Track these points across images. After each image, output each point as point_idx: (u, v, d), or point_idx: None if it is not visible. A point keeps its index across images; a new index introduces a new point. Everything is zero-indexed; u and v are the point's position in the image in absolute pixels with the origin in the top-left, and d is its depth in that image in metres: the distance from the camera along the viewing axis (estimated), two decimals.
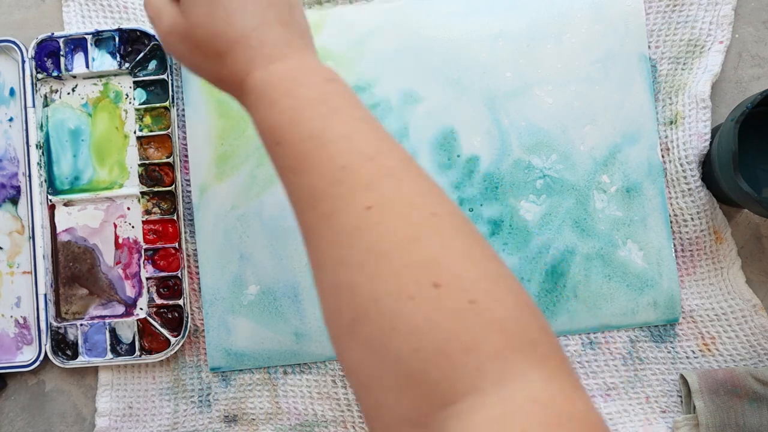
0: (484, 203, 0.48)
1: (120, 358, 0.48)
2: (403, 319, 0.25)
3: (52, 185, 0.50)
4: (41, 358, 0.49)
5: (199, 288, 0.49)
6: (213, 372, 0.49)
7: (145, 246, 0.49)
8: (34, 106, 0.49)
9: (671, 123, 0.48)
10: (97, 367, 0.49)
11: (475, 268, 0.26)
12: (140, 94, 0.50)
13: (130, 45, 0.50)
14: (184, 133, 0.50)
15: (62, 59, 0.50)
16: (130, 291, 0.50)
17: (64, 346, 0.49)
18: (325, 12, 0.49)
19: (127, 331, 0.49)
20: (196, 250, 0.49)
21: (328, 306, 0.29)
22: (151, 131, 0.49)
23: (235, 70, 0.34)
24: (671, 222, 0.48)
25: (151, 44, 0.49)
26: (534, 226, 0.48)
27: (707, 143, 0.47)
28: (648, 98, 0.48)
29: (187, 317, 0.48)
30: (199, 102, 0.49)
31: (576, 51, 0.48)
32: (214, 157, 0.49)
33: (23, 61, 0.50)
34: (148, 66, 0.50)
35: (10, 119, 0.50)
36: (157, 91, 0.50)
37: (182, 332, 0.48)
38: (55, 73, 0.50)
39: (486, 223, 0.48)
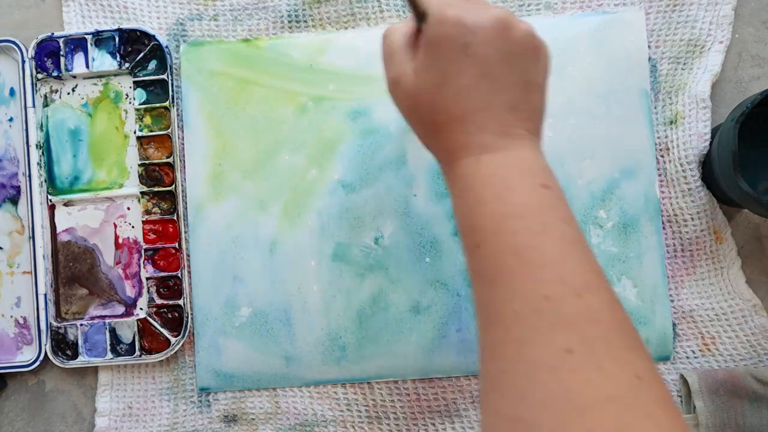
0: None
1: (120, 358, 0.48)
2: None
3: (52, 185, 0.50)
4: (41, 358, 0.49)
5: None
6: (202, 392, 0.49)
7: (145, 246, 0.49)
8: (34, 106, 0.49)
9: (671, 123, 0.48)
10: (97, 367, 0.49)
11: None
12: (140, 94, 0.50)
13: (130, 45, 0.50)
14: (184, 133, 0.50)
15: (62, 59, 0.50)
16: (130, 291, 0.50)
17: (64, 346, 0.49)
18: (327, 36, 0.50)
19: (127, 331, 0.49)
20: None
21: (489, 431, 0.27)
22: (151, 131, 0.49)
23: (447, 147, 0.33)
24: (671, 222, 0.48)
25: (150, 44, 0.49)
26: None
27: (707, 143, 0.47)
28: (648, 134, 0.48)
29: (187, 317, 0.48)
30: (198, 122, 0.49)
31: (578, 85, 0.48)
32: (210, 176, 0.49)
33: (23, 61, 0.50)
34: (148, 66, 0.50)
35: (10, 119, 0.50)
36: (157, 91, 0.50)
37: (182, 332, 0.48)
38: (55, 73, 0.50)
39: None
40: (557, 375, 0.25)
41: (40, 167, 0.49)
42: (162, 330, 0.48)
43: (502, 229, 0.29)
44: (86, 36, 0.50)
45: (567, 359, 0.26)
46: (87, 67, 0.50)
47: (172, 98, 0.49)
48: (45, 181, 0.50)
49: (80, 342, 0.49)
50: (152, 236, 0.49)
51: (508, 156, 0.31)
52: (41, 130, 0.50)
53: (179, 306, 0.48)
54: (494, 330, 0.28)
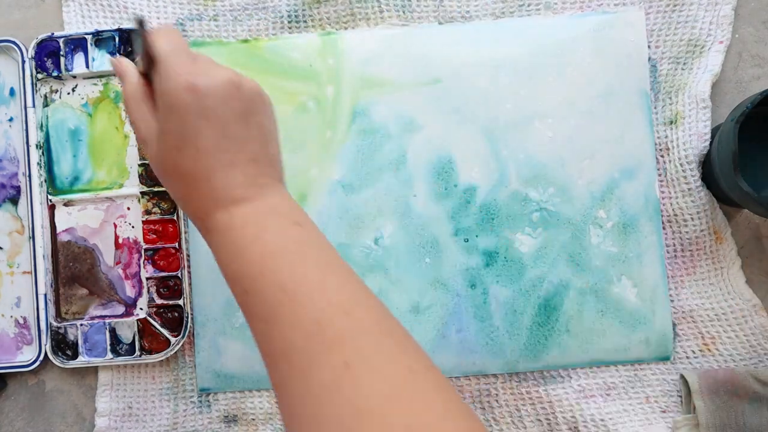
0: (480, 234, 0.48)
1: (120, 358, 0.48)
2: None
3: (52, 185, 0.50)
4: (41, 358, 0.49)
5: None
6: (202, 392, 0.49)
7: (145, 246, 0.49)
8: (34, 106, 0.49)
9: (671, 123, 0.48)
10: (97, 367, 0.49)
11: (452, 428, 0.27)
12: None
13: (130, 45, 0.50)
14: None
15: (62, 59, 0.50)
16: (130, 291, 0.50)
17: (64, 346, 0.49)
18: (327, 36, 0.50)
19: (127, 331, 0.49)
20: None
21: None
22: None
23: (198, 206, 0.34)
24: (671, 222, 0.48)
25: None
26: (529, 259, 0.48)
27: (707, 143, 0.47)
28: (648, 134, 0.48)
29: (187, 317, 0.48)
30: None
31: (577, 84, 0.48)
32: None
33: (23, 61, 0.50)
34: None
35: (10, 119, 0.50)
36: None
37: (182, 332, 0.48)
38: (55, 73, 0.50)
39: (481, 254, 0.48)
40: (341, 391, 0.27)
41: (40, 167, 0.49)
42: (162, 330, 0.48)
43: (264, 270, 0.30)
44: (86, 36, 0.50)
45: (346, 373, 0.27)
46: (87, 67, 0.50)
47: None
48: (45, 181, 0.50)
49: (80, 342, 0.49)
50: (152, 236, 0.49)
51: (257, 204, 0.33)
52: (41, 130, 0.50)
53: (179, 306, 0.48)
54: (280, 366, 0.29)
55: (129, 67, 0.37)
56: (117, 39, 0.50)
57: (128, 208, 0.50)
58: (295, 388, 0.28)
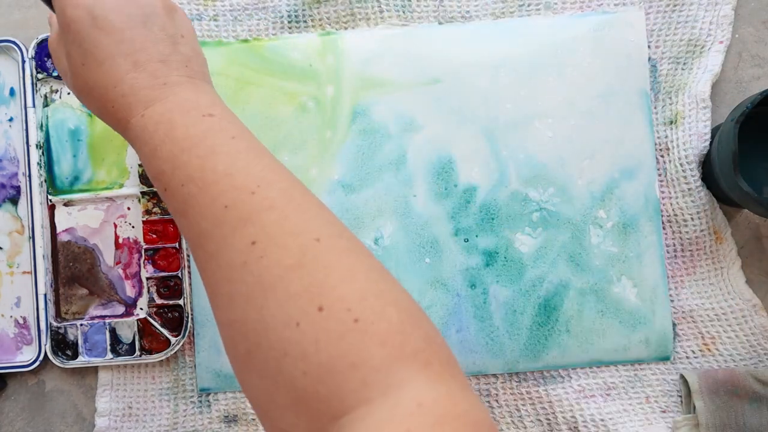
0: (480, 234, 0.48)
1: (120, 358, 0.48)
2: (292, 345, 0.26)
3: (52, 185, 0.50)
4: (41, 358, 0.49)
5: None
6: (202, 392, 0.49)
7: (145, 246, 0.49)
8: (34, 106, 0.49)
9: (671, 123, 0.48)
10: (97, 367, 0.49)
11: (358, 288, 0.27)
12: None
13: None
14: None
15: None
16: (130, 291, 0.50)
17: (64, 346, 0.49)
18: (327, 36, 0.50)
19: (127, 331, 0.49)
20: None
21: (225, 341, 0.29)
22: None
23: (116, 116, 0.34)
24: (671, 222, 0.48)
25: None
26: (529, 259, 0.48)
27: (707, 143, 0.47)
28: (648, 134, 0.48)
29: (187, 317, 0.48)
30: None
31: (577, 84, 0.48)
32: None
33: (23, 61, 0.50)
34: None
35: (10, 119, 0.50)
36: None
37: (182, 332, 0.48)
38: (55, 73, 0.50)
39: (481, 254, 0.48)
40: (248, 267, 0.28)
41: (40, 167, 0.49)
42: (162, 330, 0.48)
43: (176, 166, 0.31)
44: None
45: (253, 250, 0.28)
46: None
47: None
48: (45, 181, 0.50)
49: (80, 342, 0.49)
50: (152, 236, 0.49)
51: (168, 102, 0.33)
52: (41, 130, 0.50)
53: (179, 306, 0.48)
54: (198, 254, 0.31)
55: (52, 18, 0.39)
56: None
57: (128, 208, 0.50)
58: (210, 272, 0.30)
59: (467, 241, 0.48)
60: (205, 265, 0.30)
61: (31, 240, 0.49)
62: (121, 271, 0.50)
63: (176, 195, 0.31)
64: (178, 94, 0.33)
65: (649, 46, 0.49)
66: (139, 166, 0.49)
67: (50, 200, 0.50)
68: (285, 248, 0.28)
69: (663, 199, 0.48)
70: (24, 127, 0.49)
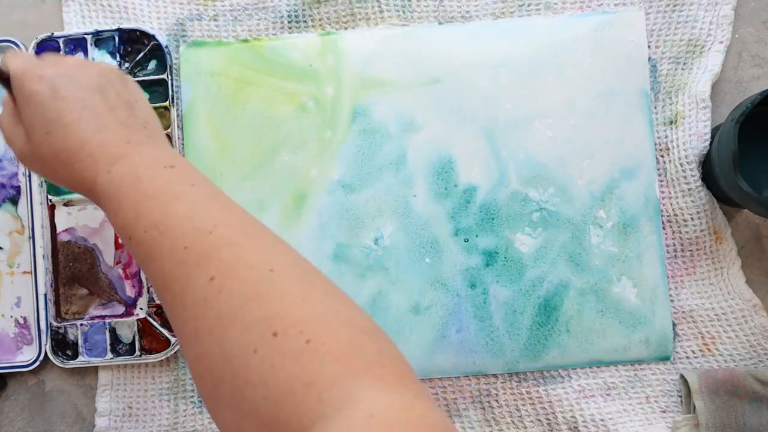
0: (480, 234, 0.48)
1: (120, 358, 0.48)
2: (252, 372, 0.27)
3: (52, 185, 0.50)
4: (41, 358, 0.49)
5: None
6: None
7: None
8: None
9: (671, 123, 0.48)
10: (97, 367, 0.49)
11: (311, 311, 0.29)
12: None
13: (130, 45, 0.50)
14: (184, 133, 0.50)
15: None
16: (130, 291, 0.50)
17: (64, 346, 0.49)
18: (327, 36, 0.50)
19: (127, 331, 0.49)
20: None
21: (195, 378, 0.31)
22: None
23: (83, 177, 0.36)
24: (671, 222, 0.48)
25: (150, 44, 0.49)
26: (529, 259, 0.48)
27: (707, 143, 0.47)
28: (648, 134, 0.48)
29: None
30: (197, 122, 0.49)
31: (577, 84, 0.48)
32: (210, 176, 0.48)
33: None
34: (148, 66, 0.50)
35: None
36: (157, 90, 0.50)
37: None
38: None
39: (481, 254, 0.48)
40: (209, 302, 0.29)
41: None
42: (162, 330, 0.48)
43: (140, 214, 0.33)
44: (86, 36, 0.50)
45: (212, 285, 0.30)
46: None
47: (172, 98, 0.49)
48: (45, 181, 0.50)
49: (80, 342, 0.49)
50: None
51: (133, 158, 0.35)
52: None
53: None
54: (163, 299, 0.32)
55: (2, 98, 0.40)
56: (117, 39, 0.50)
57: None
58: (177, 312, 0.31)
59: (467, 241, 0.48)
60: (172, 305, 0.31)
61: (31, 240, 0.49)
62: (121, 271, 0.50)
63: (141, 242, 0.33)
64: (142, 152, 0.36)
65: (649, 46, 0.49)
66: None
67: (50, 200, 0.50)
68: (242, 280, 0.29)
69: (663, 199, 0.48)
70: None
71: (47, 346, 0.49)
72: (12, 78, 0.37)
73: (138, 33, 0.49)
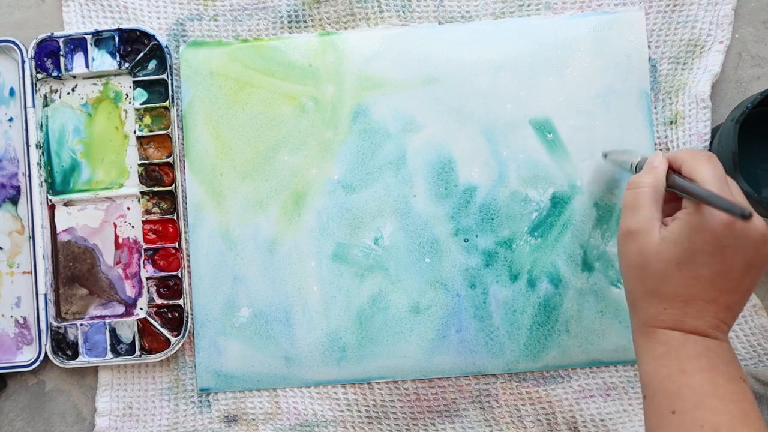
0: (480, 234, 0.48)
1: (120, 358, 0.48)
2: None
3: (51, 185, 0.50)
4: (41, 358, 0.49)
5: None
6: (202, 392, 0.49)
7: (145, 246, 0.49)
8: (34, 106, 0.49)
9: (671, 123, 0.48)
10: (97, 367, 0.49)
11: None
12: (140, 94, 0.50)
13: (130, 45, 0.50)
14: (184, 133, 0.50)
15: (62, 59, 0.50)
16: (130, 291, 0.50)
17: (64, 346, 0.49)
18: (327, 36, 0.50)
19: (127, 331, 0.49)
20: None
21: None
22: (150, 131, 0.49)
23: (657, 314, 0.36)
24: None
25: (150, 44, 0.49)
26: (529, 259, 0.48)
27: (707, 143, 0.47)
28: (648, 135, 0.48)
29: (187, 317, 0.48)
30: (197, 122, 0.49)
31: (577, 85, 0.48)
32: (210, 176, 0.49)
33: (23, 61, 0.50)
34: (147, 66, 0.50)
35: (10, 119, 0.50)
36: (157, 90, 0.50)
37: (182, 332, 0.48)
38: (54, 73, 0.50)
39: (481, 254, 0.48)
40: None
41: (40, 167, 0.49)
42: (162, 330, 0.48)
43: (702, 405, 0.33)
44: (86, 36, 0.50)
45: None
46: (87, 67, 0.50)
47: (172, 98, 0.49)
48: (45, 181, 0.50)
49: (80, 342, 0.49)
50: (152, 236, 0.49)
51: (712, 344, 0.35)
52: (41, 130, 0.50)
53: (179, 306, 0.48)
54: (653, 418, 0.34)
55: (662, 165, 0.38)
56: (117, 39, 0.50)
57: (128, 208, 0.50)
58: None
59: (467, 241, 0.48)
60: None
61: (31, 240, 0.49)
62: (121, 271, 0.50)
63: (684, 429, 0.34)
64: (722, 342, 0.35)
65: (649, 46, 0.49)
66: (139, 166, 0.49)
67: (50, 200, 0.50)
68: None
69: None
70: (24, 127, 0.49)
71: (47, 346, 0.49)
72: (702, 204, 0.35)
73: (138, 33, 0.49)
